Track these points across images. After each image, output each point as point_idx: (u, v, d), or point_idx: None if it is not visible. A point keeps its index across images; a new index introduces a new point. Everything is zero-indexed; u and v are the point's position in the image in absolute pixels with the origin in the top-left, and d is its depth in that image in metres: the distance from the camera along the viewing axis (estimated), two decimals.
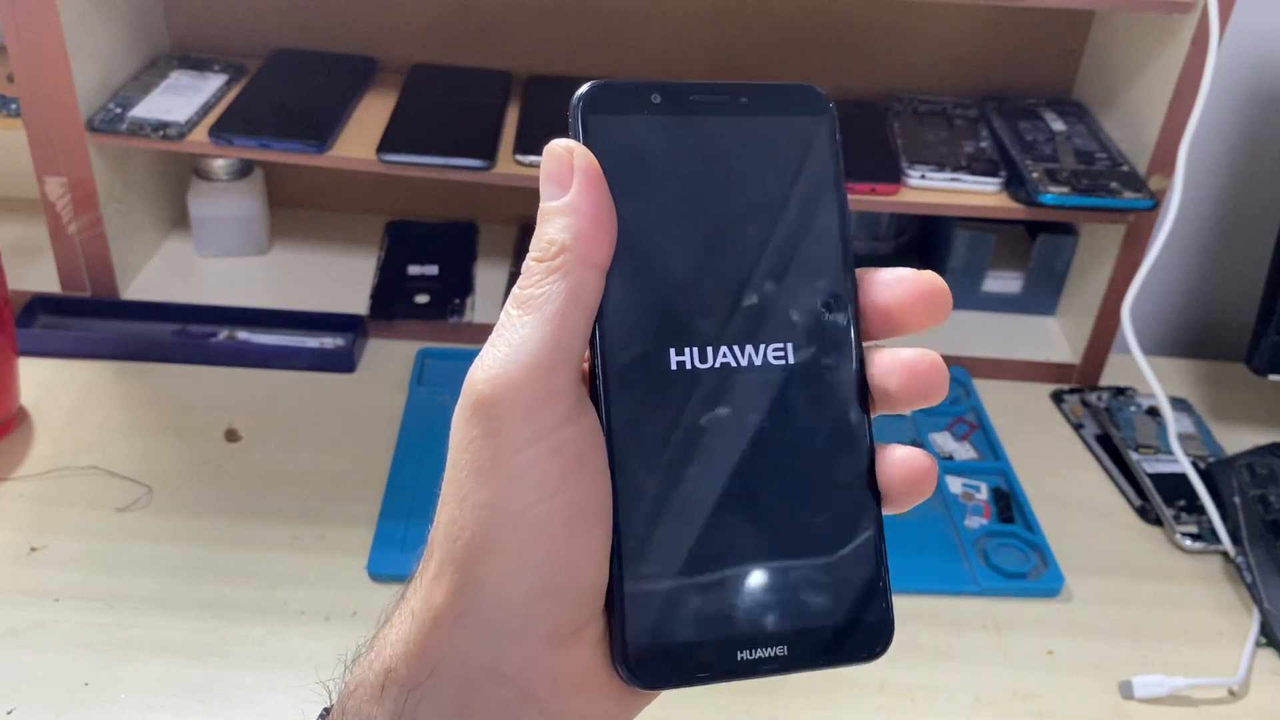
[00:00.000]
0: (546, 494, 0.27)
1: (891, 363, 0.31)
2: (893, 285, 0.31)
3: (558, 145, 0.29)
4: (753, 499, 0.30)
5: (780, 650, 0.30)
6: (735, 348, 0.30)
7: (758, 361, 0.30)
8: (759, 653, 0.29)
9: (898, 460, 0.30)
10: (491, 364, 0.28)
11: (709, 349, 0.30)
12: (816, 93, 0.33)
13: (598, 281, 0.28)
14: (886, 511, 0.31)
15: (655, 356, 0.29)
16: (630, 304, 0.29)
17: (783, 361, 0.31)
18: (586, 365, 0.30)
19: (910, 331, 0.32)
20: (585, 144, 0.29)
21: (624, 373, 0.29)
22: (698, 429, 0.30)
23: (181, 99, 0.85)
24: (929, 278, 0.31)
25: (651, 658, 0.29)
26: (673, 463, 0.29)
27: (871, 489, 0.31)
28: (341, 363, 0.84)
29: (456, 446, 0.28)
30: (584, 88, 0.30)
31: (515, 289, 0.28)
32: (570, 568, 0.27)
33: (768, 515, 0.30)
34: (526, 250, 0.29)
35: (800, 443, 0.30)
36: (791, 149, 0.32)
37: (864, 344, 0.32)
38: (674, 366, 0.30)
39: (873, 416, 0.31)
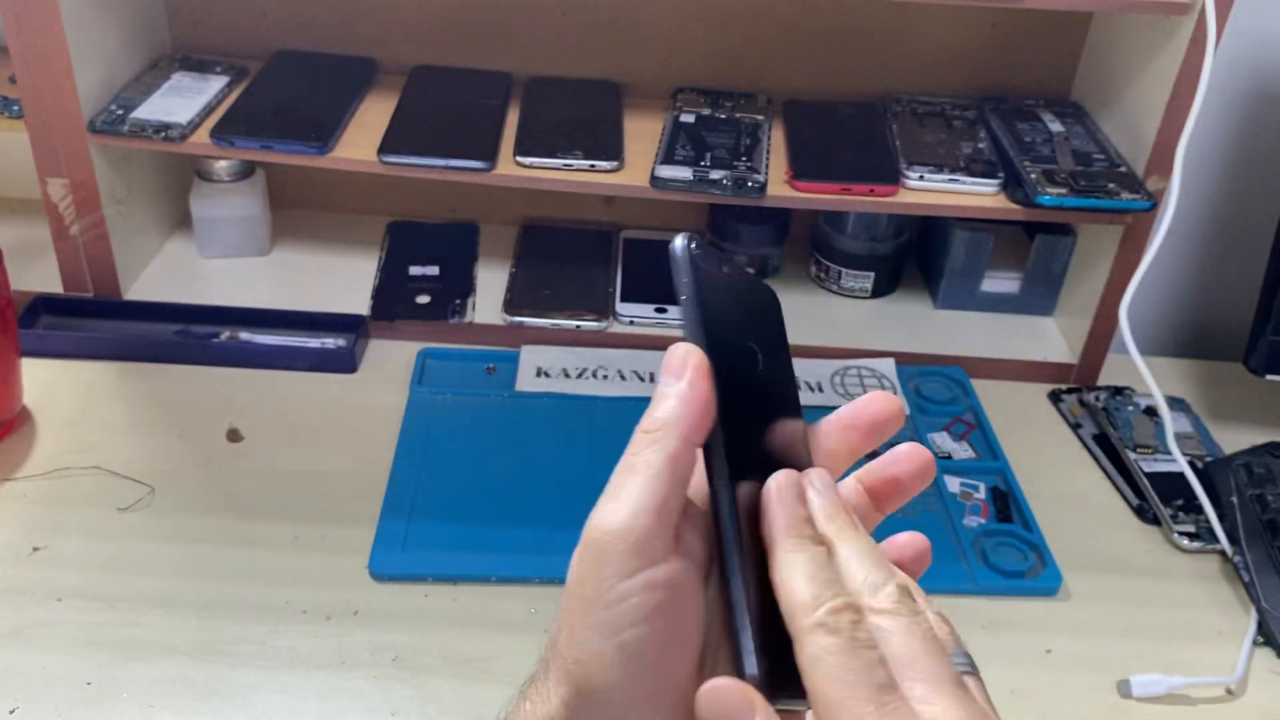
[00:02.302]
0: (640, 619, 0.32)
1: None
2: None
3: (680, 347, 0.35)
4: None
5: None
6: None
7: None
8: None
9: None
10: (599, 514, 0.34)
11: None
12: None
13: (691, 455, 0.34)
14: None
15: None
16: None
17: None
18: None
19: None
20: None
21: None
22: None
23: (183, 100, 0.86)
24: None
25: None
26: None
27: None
28: (343, 363, 0.85)
29: (574, 580, 0.34)
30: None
31: (625, 455, 0.35)
32: (664, 679, 0.33)
33: None
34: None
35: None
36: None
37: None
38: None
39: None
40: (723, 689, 0.31)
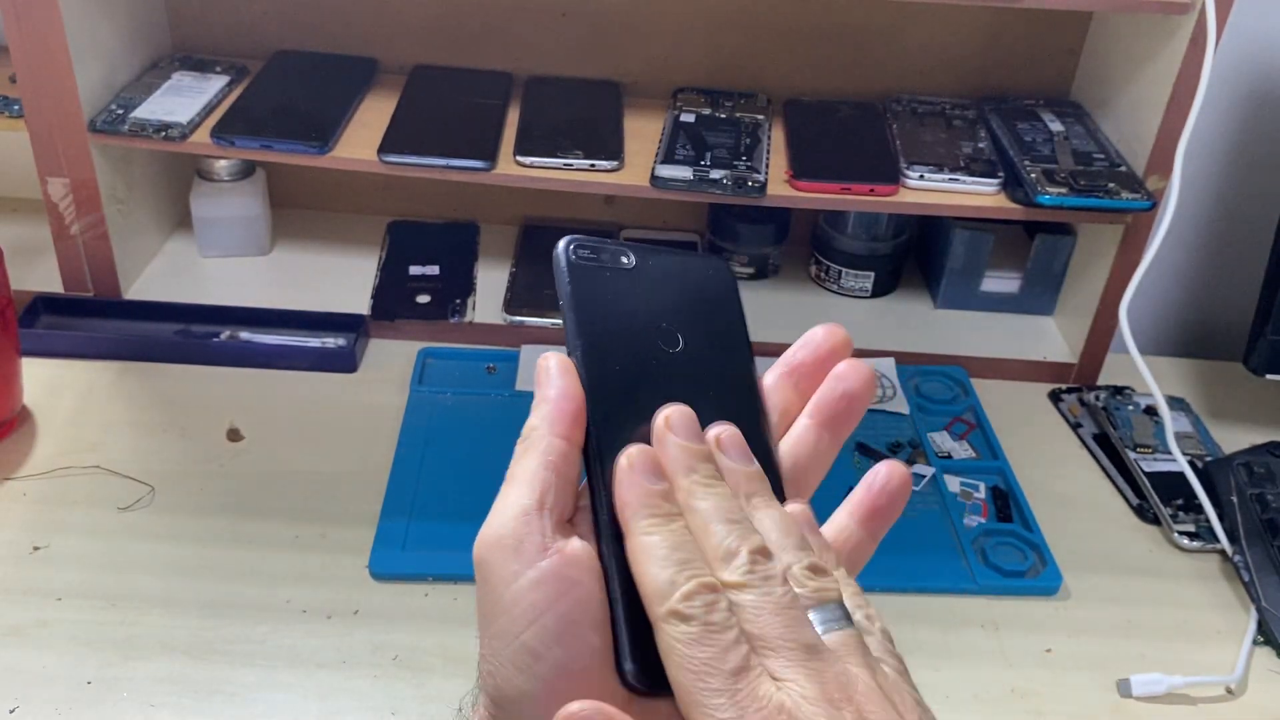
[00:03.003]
0: (535, 617, 0.32)
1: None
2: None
3: (543, 356, 0.35)
4: None
5: None
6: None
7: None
8: None
9: None
10: (482, 530, 0.33)
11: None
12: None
13: (568, 451, 0.34)
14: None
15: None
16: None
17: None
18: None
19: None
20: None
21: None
22: None
23: (183, 100, 0.86)
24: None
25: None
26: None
27: None
28: (343, 362, 0.85)
29: (476, 599, 0.33)
30: (561, 242, 0.37)
31: (511, 464, 0.34)
32: (575, 673, 0.32)
33: None
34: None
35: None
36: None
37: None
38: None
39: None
40: (575, 715, 0.30)
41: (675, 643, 0.29)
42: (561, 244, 0.36)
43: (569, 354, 0.35)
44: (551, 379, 0.35)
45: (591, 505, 0.34)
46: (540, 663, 0.32)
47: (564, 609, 0.32)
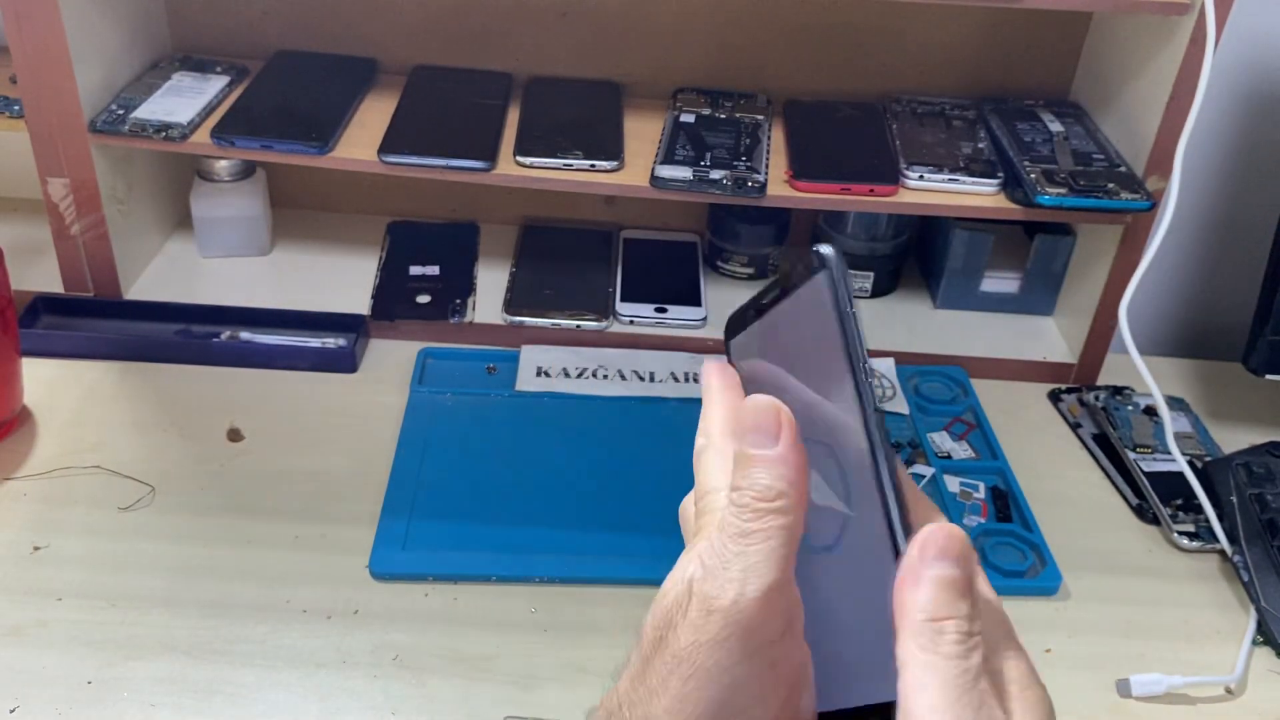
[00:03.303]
0: (759, 698, 0.32)
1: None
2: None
3: (763, 399, 0.33)
4: (835, 599, 0.34)
5: None
6: (822, 491, 0.34)
7: (831, 500, 0.34)
8: None
9: None
10: (724, 586, 0.31)
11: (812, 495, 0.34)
12: (819, 254, 0.34)
13: (801, 527, 0.33)
14: None
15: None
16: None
17: (837, 533, 0.34)
18: None
19: None
20: (735, 365, 0.38)
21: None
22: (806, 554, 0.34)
23: (184, 100, 0.86)
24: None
25: None
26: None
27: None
28: (343, 363, 0.85)
29: (683, 648, 0.32)
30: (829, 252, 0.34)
31: (734, 518, 0.32)
32: None
33: (842, 612, 0.34)
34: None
35: (857, 557, 0.33)
36: (811, 314, 0.34)
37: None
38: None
39: None
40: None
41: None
42: (829, 250, 0.33)
43: (861, 383, 0.32)
44: (784, 436, 0.33)
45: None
46: None
47: (779, 696, 0.32)
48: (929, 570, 0.29)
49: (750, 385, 0.38)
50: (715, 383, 0.38)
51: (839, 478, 0.34)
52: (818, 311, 0.34)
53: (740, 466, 0.33)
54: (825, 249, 0.34)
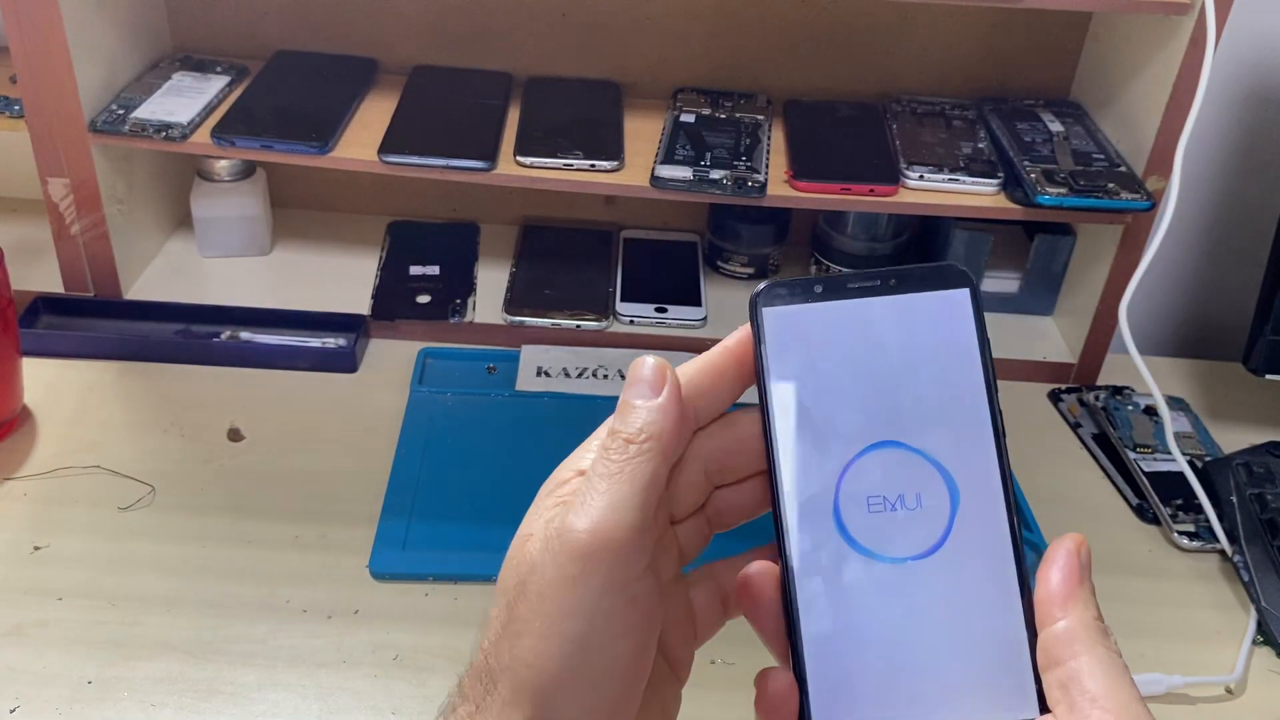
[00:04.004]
0: (621, 634, 0.32)
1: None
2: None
3: (652, 359, 0.35)
4: (917, 614, 0.34)
5: None
6: (898, 499, 0.35)
7: (919, 510, 0.35)
8: None
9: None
10: (590, 517, 0.32)
11: (874, 497, 0.35)
12: (957, 270, 0.36)
13: (666, 473, 0.34)
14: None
15: (822, 523, 0.35)
16: (802, 459, 0.35)
17: (936, 541, 0.34)
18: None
19: None
20: (759, 334, 0.36)
21: (797, 516, 0.35)
22: (865, 561, 0.35)
23: (184, 100, 0.86)
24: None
25: None
26: (844, 594, 0.34)
27: (1026, 606, 0.34)
28: (343, 362, 0.85)
29: (547, 583, 0.32)
30: (760, 285, 0.36)
31: (603, 460, 0.34)
32: (631, 696, 0.33)
33: (932, 627, 0.34)
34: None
35: (962, 573, 0.34)
36: (934, 319, 0.36)
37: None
38: (839, 534, 0.35)
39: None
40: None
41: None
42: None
43: (994, 403, 0.35)
44: (668, 391, 0.34)
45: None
46: (610, 679, 0.33)
47: (641, 634, 0.33)
48: (1087, 578, 0.33)
49: (783, 357, 0.36)
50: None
51: (927, 486, 0.34)
52: (945, 322, 0.36)
53: (619, 414, 0.34)
54: (963, 268, 0.36)
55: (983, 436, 0.35)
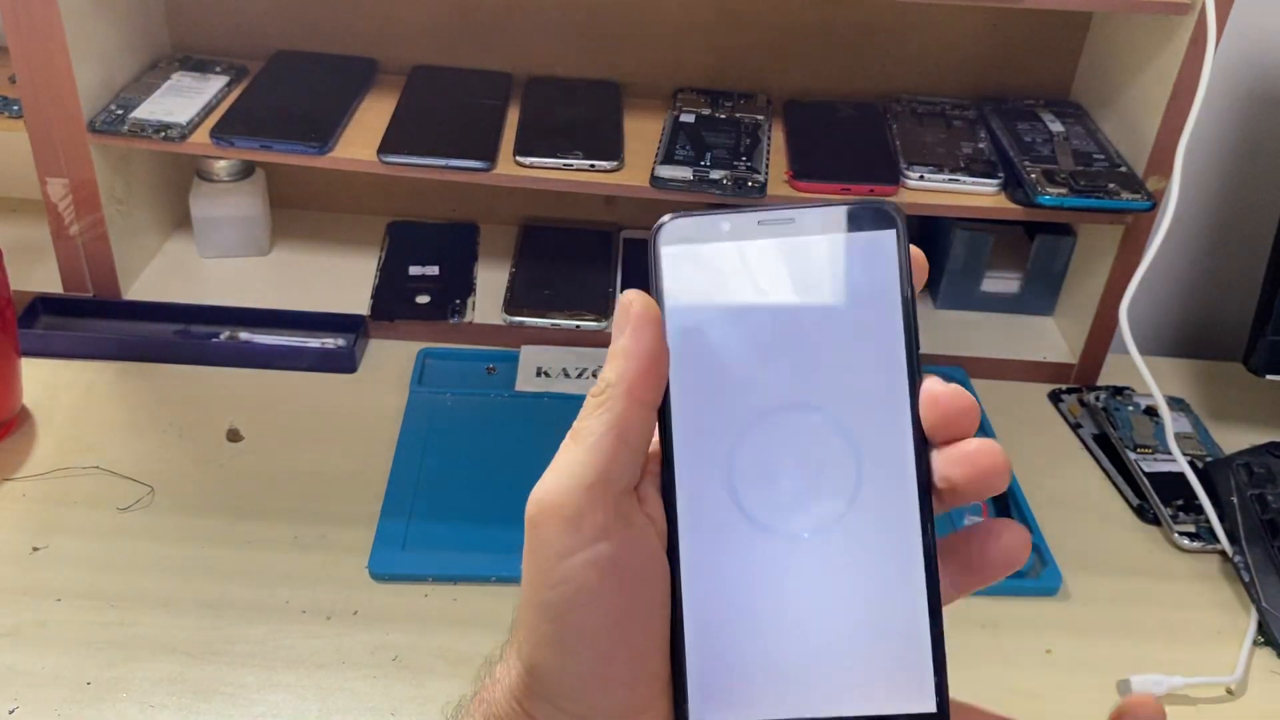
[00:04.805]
0: (584, 601, 0.31)
1: (955, 455, 0.32)
2: (957, 461, 0.32)
3: (624, 295, 0.32)
4: (812, 595, 0.32)
5: None
6: (798, 468, 0.32)
7: (820, 480, 0.32)
8: None
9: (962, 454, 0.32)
10: (539, 487, 0.31)
11: (772, 465, 0.32)
12: (884, 207, 0.32)
13: (642, 415, 0.31)
14: (964, 498, 0.32)
15: (719, 470, 0.32)
16: (698, 417, 0.32)
17: (836, 515, 0.32)
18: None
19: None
20: (658, 274, 0.33)
21: (688, 483, 0.32)
22: (760, 535, 0.32)
23: (183, 100, 0.86)
24: (992, 455, 0.32)
25: None
26: (735, 570, 0.32)
27: (930, 588, 0.31)
28: (343, 363, 0.85)
29: (525, 554, 0.32)
30: (662, 220, 0.33)
31: (577, 420, 0.32)
32: (616, 663, 0.31)
33: (826, 609, 0.32)
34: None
35: (861, 550, 0.32)
36: (853, 265, 0.32)
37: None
38: (737, 485, 0.32)
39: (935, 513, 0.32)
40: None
41: None
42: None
43: (913, 359, 0.31)
44: (632, 328, 0.31)
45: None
46: (585, 647, 0.31)
47: (626, 594, 0.31)
48: None
49: (681, 303, 0.33)
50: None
51: (831, 455, 0.32)
52: (866, 269, 0.32)
53: None
54: (894, 205, 0.32)
55: (897, 405, 0.31)
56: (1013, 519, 0.32)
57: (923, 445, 0.32)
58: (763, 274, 0.32)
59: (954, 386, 0.32)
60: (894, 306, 0.32)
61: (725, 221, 0.33)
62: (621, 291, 0.90)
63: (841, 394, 0.32)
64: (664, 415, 0.32)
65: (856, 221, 0.32)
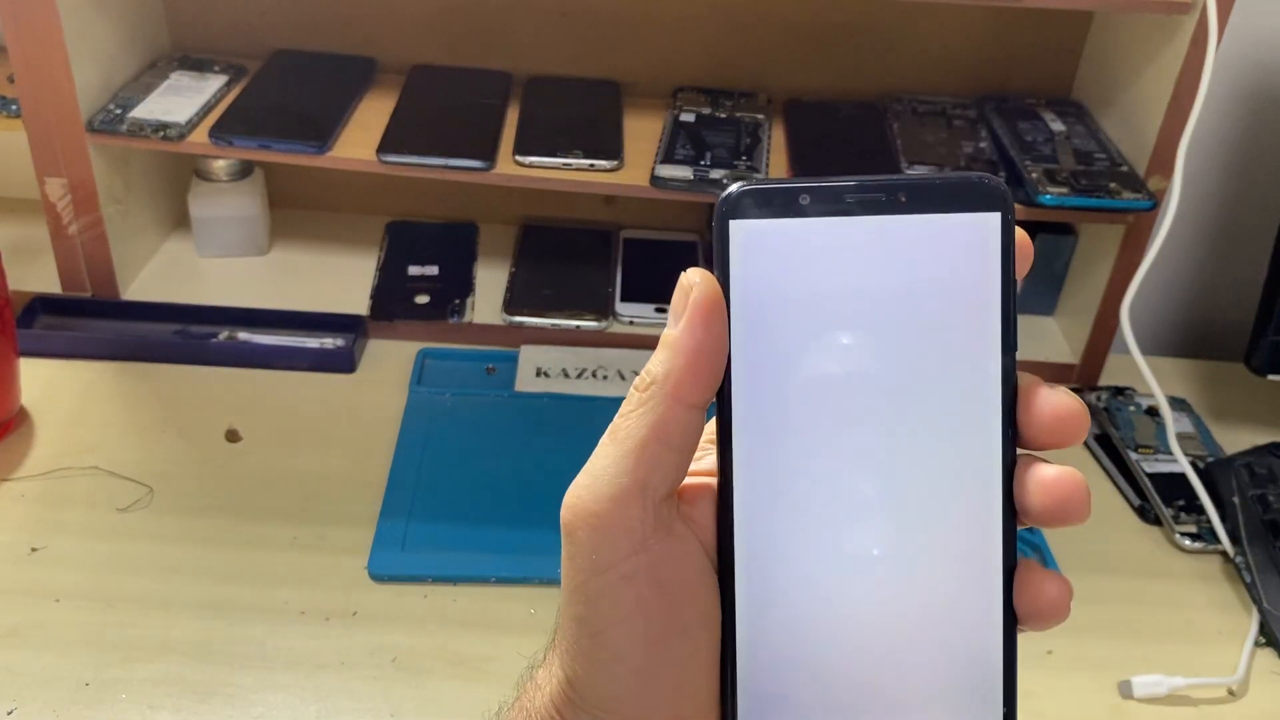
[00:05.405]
0: (620, 618, 0.28)
1: (1035, 480, 0.30)
2: (1033, 490, 0.30)
3: (686, 275, 0.28)
4: (879, 615, 0.30)
5: None
6: (874, 478, 0.29)
7: (898, 493, 0.29)
8: None
9: (1048, 481, 0.30)
10: (574, 489, 0.29)
11: (846, 474, 0.29)
12: (987, 185, 0.29)
13: (688, 418, 0.28)
14: (1033, 523, 0.30)
15: (784, 478, 0.29)
16: (762, 420, 0.29)
17: (922, 501, 0.29)
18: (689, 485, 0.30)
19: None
20: (725, 254, 0.28)
21: (747, 495, 0.29)
22: (828, 549, 0.29)
23: (182, 100, 0.85)
24: (1074, 485, 0.30)
25: None
26: (797, 586, 0.29)
27: (1007, 613, 0.30)
28: (342, 363, 0.84)
29: (561, 560, 0.30)
30: (730, 190, 0.28)
31: (617, 415, 0.29)
32: (658, 681, 0.29)
33: (892, 631, 0.30)
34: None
35: (936, 569, 0.30)
36: (955, 251, 0.28)
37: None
38: (805, 496, 0.29)
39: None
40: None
41: None
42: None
43: (1009, 353, 0.28)
44: (689, 317, 0.27)
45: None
46: (621, 663, 0.29)
47: (657, 616, 0.28)
48: None
49: (751, 287, 0.29)
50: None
51: (910, 465, 0.29)
52: (964, 256, 0.28)
53: None
54: (1001, 182, 0.29)
55: (986, 412, 0.29)
56: (1058, 572, 0.30)
57: (1012, 457, 0.29)
58: (846, 257, 0.28)
59: (1061, 395, 0.29)
60: (992, 301, 0.28)
61: (804, 194, 0.28)
62: (621, 291, 0.90)
63: (928, 400, 0.29)
64: (723, 414, 0.29)
65: (958, 200, 0.28)
